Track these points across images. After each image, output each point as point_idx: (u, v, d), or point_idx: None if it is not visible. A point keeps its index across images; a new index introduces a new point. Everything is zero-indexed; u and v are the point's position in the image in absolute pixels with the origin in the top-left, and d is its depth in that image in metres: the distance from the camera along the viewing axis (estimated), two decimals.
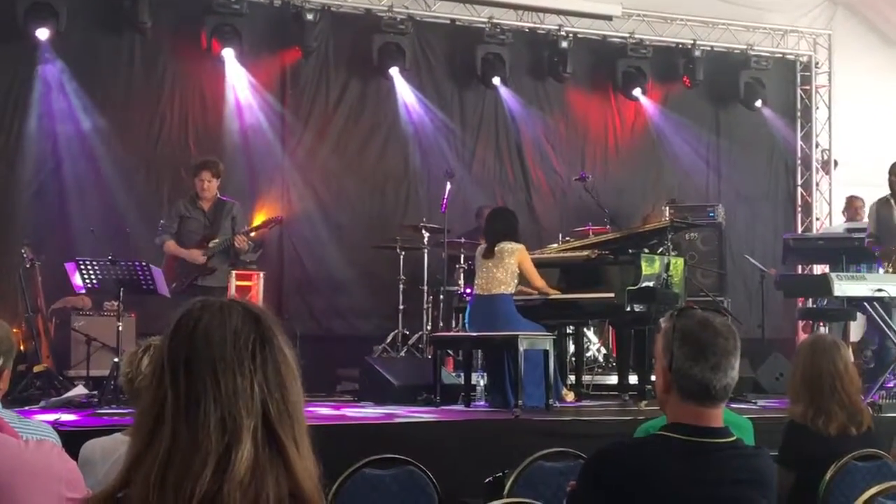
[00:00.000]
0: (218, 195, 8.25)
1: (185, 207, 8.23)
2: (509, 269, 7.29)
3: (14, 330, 2.56)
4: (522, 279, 7.44)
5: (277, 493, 1.48)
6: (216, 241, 8.08)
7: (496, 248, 7.36)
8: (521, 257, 7.36)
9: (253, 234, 8.49)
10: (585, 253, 7.91)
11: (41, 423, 2.76)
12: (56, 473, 2.13)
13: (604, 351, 9.77)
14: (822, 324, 9.05)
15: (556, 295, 7.58)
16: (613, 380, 8.48)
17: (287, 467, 1.50)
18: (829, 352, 4.23)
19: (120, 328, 7.17)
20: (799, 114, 12.21)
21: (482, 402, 7.57)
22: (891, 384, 8.11)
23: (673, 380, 2.65)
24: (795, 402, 4.28)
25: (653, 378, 6.74)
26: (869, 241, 9.16)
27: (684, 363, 2.62)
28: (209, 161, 8.29)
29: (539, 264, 7.80)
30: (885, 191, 9.08)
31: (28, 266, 7.97)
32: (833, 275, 8.17)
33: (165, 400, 1.52)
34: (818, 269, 10.58)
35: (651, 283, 7.46)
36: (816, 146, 12.13)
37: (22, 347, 7.36)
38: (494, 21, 10.70)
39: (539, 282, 7.49)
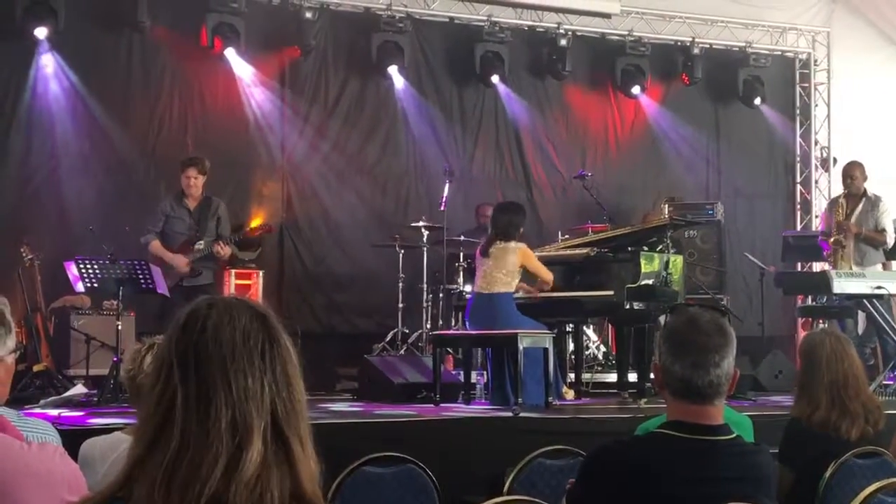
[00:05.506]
0: (203, 193, 8.23)
1: (171, 206, 8.20)
2: (509, 268, 7.23)
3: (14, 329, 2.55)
4: (525, 276, 7.41)
5: (281, 493, 1.48)
6: (200, 246, 8.07)
7: (495, 248, 7.28)
8: (524, 257, 7.26)
9: (242, 235, 8.56)
10: (585, 251, 7.90)
11: (42, 422, 2.75)
12: (58, 477, 2.13)
13: (603, 349, 9.77)
14: (821, 321, 9.05)
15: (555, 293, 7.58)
16: (613, 378, 8.49)
17: (291, 467, 1.50)
18: (848, 351, 4.13)
19: (119, 327, 7.17)
20: (798, 111, 12.19)
21: (482, 401, 7.57)
22: (890, 381, 8.13)
23: (662, 377, 2.68)
24: (814, 405, 4.07)
25: (653, 376, 6.78)
26: (822, 239, 9.14)
27: (667, 360, 2.66)
28: (195, 158, 8.27)
29: None
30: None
31: (27, 265, 7.98)
32: (832, 272, 8.18)
33: (174, 400, 1.51)
34: (818, 266, 10.58)
35: (650, 281, 7.46)
36: (815, 144, 12.12)
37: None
38: (493, 19, 10.69)
39: (548, 275, 7.38)
